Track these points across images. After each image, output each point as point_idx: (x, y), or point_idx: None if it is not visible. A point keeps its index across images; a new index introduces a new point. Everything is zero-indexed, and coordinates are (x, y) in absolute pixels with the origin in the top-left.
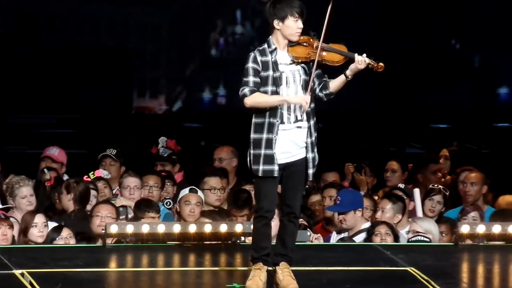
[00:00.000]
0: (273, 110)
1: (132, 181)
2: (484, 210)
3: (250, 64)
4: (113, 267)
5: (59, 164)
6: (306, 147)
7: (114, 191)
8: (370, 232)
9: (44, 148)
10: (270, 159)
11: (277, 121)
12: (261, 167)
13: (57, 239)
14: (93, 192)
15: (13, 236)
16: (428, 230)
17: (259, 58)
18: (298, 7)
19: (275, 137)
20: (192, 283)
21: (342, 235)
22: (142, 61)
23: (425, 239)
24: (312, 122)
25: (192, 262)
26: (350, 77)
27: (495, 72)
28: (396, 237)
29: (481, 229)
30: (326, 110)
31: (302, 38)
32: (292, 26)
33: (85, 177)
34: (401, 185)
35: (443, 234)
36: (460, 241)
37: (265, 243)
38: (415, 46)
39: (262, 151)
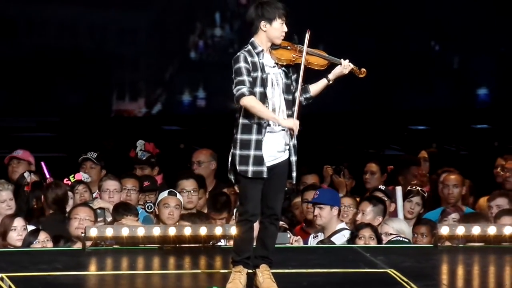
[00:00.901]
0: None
1: (111, 184)
2: (463, 212)
3: (242, 64)
4: (92, 270)
5: (26, 163)
6: (289, 150)
7: (94, 195)
8: (354, 234)
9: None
10: (259, 160)
11: (265, 122)
12: (250, 168)
13: (34, 242)
14: (71, 195)
15: None
16: (400, 230)
17: (249, 59)
18: (284, 10)
19: (263, 138)
20: (172, 286)
21: (318, 236)
22: (121, 64)
23: (404, 239)
24: None
25: (172, 265)
26: (331, 81)
27: (474, 73)
28: (380, 241)
29: (460, 230)
30: (305, 112)
31: (283, 42)
32: (279, 28)
33: (65, 180)
34: (382, 187)
35: (424, 236)
36: (439, 243)
37: (247, 247)
38: (394, 47)
39: (252, 152)
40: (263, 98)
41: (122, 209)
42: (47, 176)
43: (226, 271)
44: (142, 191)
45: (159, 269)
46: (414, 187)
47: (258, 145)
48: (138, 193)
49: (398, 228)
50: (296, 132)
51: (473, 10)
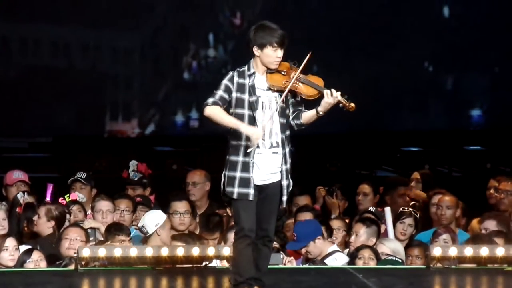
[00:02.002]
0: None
1: (104, 204)
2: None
3: (225, 81)
4: None
5: (28, 186)
6: (281, 174)
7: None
8: (354, 255)
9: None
10: (246, 182)
11: (249, 146)
12: (236, 190)
13: (27, 261)
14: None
15: None
16: (396, 251)
17: (235, 79)
18: (278, 37)
19: (252, 160)
20: None
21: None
22: (115, 84)
23: (397, 259)
24: (287, 149)
25: (165, 286)
26: (321, 113)
27: (468, 94)
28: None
29: (453, 251)
30: (297, 133)
31: (282, 65)
32: (271, 55)
33: (60, 199)
34: (372, 209)
35: (419, 258)
36: (432, 264)
37: (249, 265)
38: (387, 68)
39: (238, 174)
40: (252, 120)
41: (114, 229)
42: (48, 198)
43: None
44: (135, 207)
45: None
46: (406, 208)
47: (245, 167)
48: (131, 214)
49: (394, 248)
50: (255, 143)
51: (466, 31)
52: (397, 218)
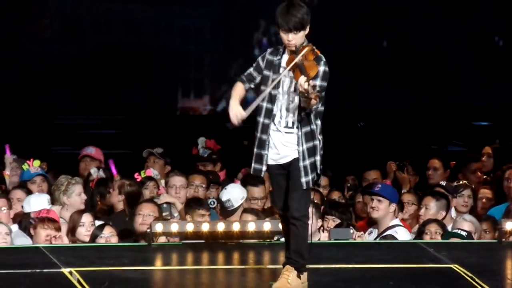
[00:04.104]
0: (267, 111)
1: (178, 180)
2: None
3: (259, 58)
4: (158, 265)
5: (97, 162)
6: (299, 154)
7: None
8: (420, 230)
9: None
10: (259, 158)
11: (269, 122)
12: (252, 165)
13: (99, 236)
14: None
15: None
16: (477, 227)
17: (267, 56)
18: (286, 22)
19: (268, 137)
20: (237, 281)
21: (373, 233)
22: (186, 62)
23: (464, 233)
24: (304, 130)
25: (236, 259)
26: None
27: None
28: None
29: None
30: (369, 109)
31: (304, 47)
32: (283, 37)
33: (136, 175)
34: (443, 183)
35: (487, 232)
36: (503, 238)
37: (287, 242)
38: (459, 43)
39: (255, 150)
40: (272, 98)
41: (194, 204)
42: (114, 173)
43: None
44: (209, 183)
45: (224, 264)
46: (461, 181)
47: (260, 143)
48: (205, 189)
49: (471, 223)
50: (234, 122)
51: None
52: (454, 192)
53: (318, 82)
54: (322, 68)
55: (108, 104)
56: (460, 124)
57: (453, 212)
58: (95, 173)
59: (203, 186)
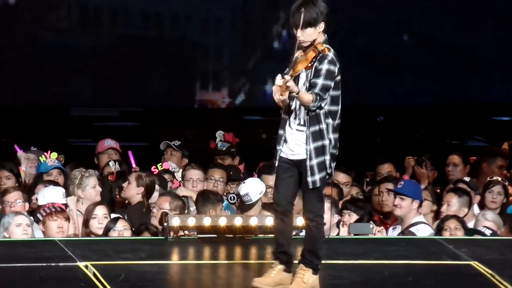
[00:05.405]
0: (288, 107)
1: (195, 173)
2: None
3: None
4: (175, 259)
5: (119, 154)
6: (307, 153)
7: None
8: (440, 227)
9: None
10: (276, 153)
11: (287, 118)
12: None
13: (112, 230)
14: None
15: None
16: (499, 224)
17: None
18: (293, 20)
19: (283, 133)
20: (254, 275)
21: (397, 228)
22: (205, 54)
23: (486, 230)
24: (312, 130)
25: (254, 254)
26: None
27: None
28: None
29: None
30: (388, 104)
31: (313, 44)
32: (295, 32)
33: (152, 168)
34: (466, 179)
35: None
36: None
37: (278, 238)
38: (478, 37)
39: (276, 145)
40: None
41: (209, 198)
42: (133, 165)
43: None
44: (229, 178)
45: (241, 259)
46: (494, 177)
47: (279, 139)
48: (224, 184)
49: (493, 221)
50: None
51: None
52: (485, 187)
53: (320, 81)
54: (325, 66)
55: (126, 96)
56: (480, 119)
57: (475, 209)
58: (113, 166)
59: (222, 180)
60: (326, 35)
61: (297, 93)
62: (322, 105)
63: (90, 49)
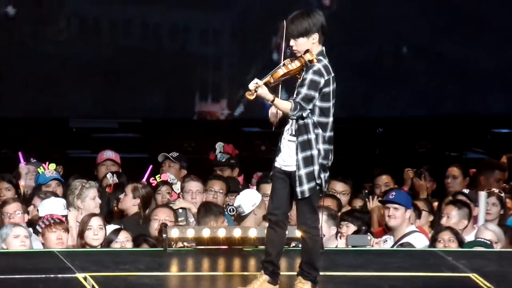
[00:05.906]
0: (284, 117)
1: (194, 185)
2: None
3: None
4: (174, 271)
5: (117, 166)
6: (296, 163)
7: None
8: (434, 238)
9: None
10: (273, 164)
11: (283, 128)
12: None
13: (114, 241)
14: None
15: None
16: (500, 237)
17: None
18: (289, 31)
19: (280, 143)
20: None
21: (388, 241)
22: (204, 66)
23: (486, 242)
24: (300, 139)
25: (253, 266)
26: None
27: None
28: (462, 243)
29: None
30: (387, 116)
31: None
32: (286, 44)
33: (151, 179)
34: (466, 191)
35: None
36: None
37: (267, 248)
38: (477, 50)
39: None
40: None
41: (211, 209)
42: (144, 178)
43: None
44: (228, 189)
45: (240, 271)
46: (491, 189)
47: (278, 149)
48: (224, 196)
49: (494, 233)
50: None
51: None
52: (476, 201)
53: (303, 90)
54: (310, 76)
55: (125, 108)
56: (479, 131)
57: (481, 221)
58: (110, 177)
59: (222, 192)
60: (323, 46)
61: (272, 101)
62: (304, 114)
63: (89, 61)
